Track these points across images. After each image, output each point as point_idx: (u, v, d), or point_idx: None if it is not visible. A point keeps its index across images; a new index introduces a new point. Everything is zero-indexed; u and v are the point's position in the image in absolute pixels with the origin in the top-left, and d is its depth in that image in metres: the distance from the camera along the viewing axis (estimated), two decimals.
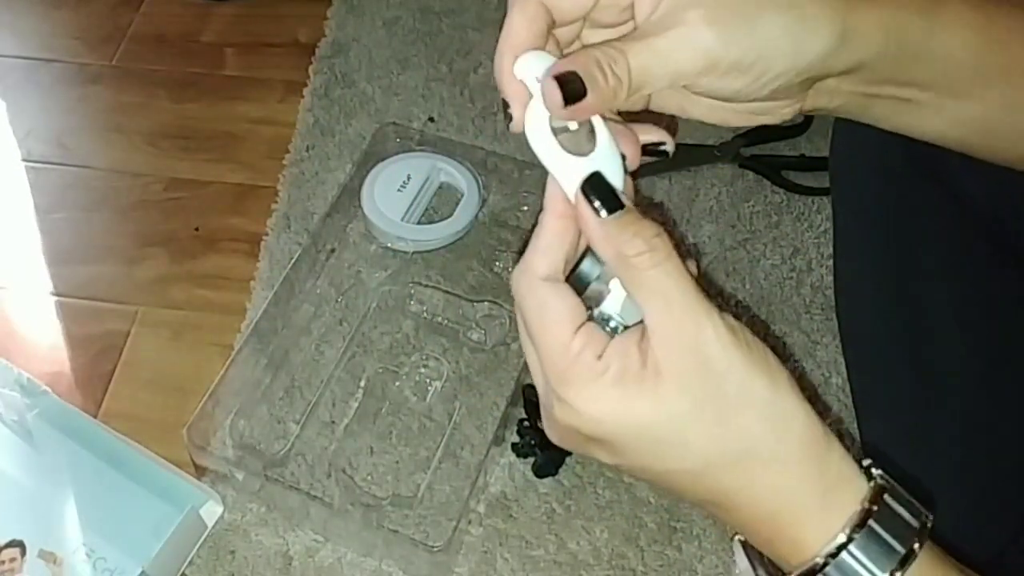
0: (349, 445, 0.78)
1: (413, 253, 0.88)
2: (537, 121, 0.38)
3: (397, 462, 0.77)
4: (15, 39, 1.14)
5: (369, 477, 0.77)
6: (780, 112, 0.41)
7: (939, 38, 0.41)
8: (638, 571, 0.73)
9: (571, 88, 0.37)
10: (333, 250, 0.89)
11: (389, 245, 0.89)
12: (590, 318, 0.39)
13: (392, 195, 0.89)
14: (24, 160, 1.01)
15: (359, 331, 0.84)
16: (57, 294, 0.91)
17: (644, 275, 0.37)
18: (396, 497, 0.75)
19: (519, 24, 0.39)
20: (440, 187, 0.93)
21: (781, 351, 0.83)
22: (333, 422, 0.79)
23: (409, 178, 0.90)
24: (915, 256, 0.64)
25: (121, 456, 0.75)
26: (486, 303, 0.85)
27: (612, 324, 0.39)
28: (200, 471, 0.76)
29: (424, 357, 0.83)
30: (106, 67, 1.10)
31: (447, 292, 0.86)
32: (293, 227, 0.93)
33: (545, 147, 0.38)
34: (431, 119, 1.01)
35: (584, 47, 0.39)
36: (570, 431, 0.39)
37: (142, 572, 0.69)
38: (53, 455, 0.74)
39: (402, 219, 0.88)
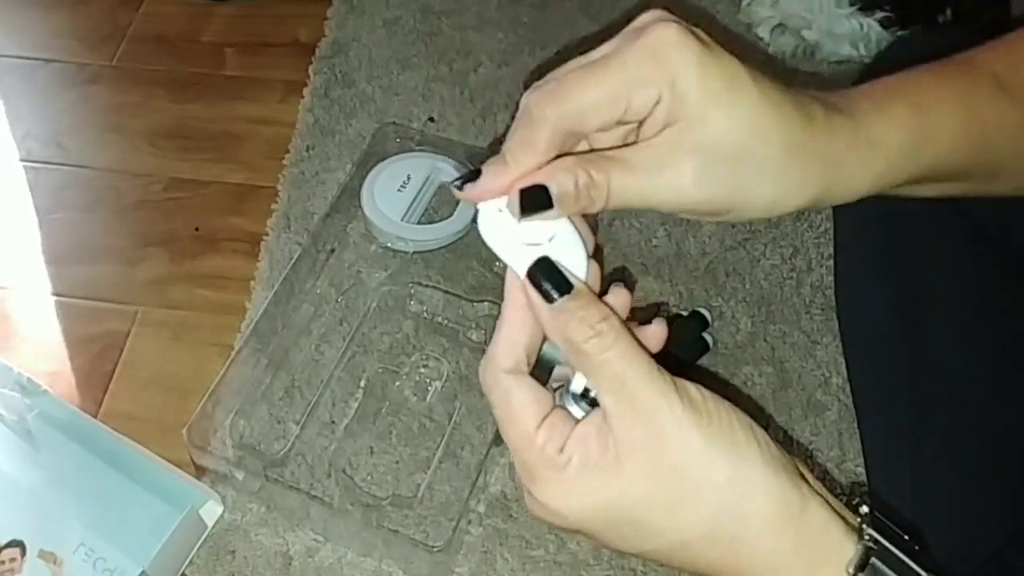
0: (349, 445, 0.78)
1: (413, 253, 0.88)
2: (491, 210, 0.37)
3: (397, 462, 0.77)
4: (14, 39, 1.14)
5: (369, 477, 0.77)
6: (746, 219, 0.41)
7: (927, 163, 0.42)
8: (638, 571, 0.73)
9: (534, 199, 0.36)
10: (333, 250, 0.89)
11: (389, 245, 0.89)
12: (562, 395, 0.38)
13: (392, 195, 0.89)
14: (23, 160, 1.01)
15: (359, 331, 0.84)
16: (57, 294, 0.91)
17: (594, 361, 0.36)
18: (396, 497, 0.75)
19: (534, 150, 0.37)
20: (440, 187, 0.93)
21: (781, 350, 0.84)
22: (333, 422, 0.79)
23: (409, 178, 0.90)
24: (914, 255, 0.64)
25: (121, 456, 0.75)
26: (486, 303, 0.85)
27: (580, 405, 0.38)
28: (200, 471, 0.76)
29: (424, 357, 0.83)
30: (106, 67, 1.10)
31: (447, 292, 0.86)
32: (293, 227, 0.93)
33: (496, 236, 0.37)
34: (431, 119, 1.01)
35: (572, 157, 0.37)
36: (546, 519, 0.38)
37: (142, 572, 0.69)
38: (53, 455, 0.74)
39: (402, 219, 0.88)
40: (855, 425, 0.73)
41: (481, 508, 0.75)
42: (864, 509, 0.38)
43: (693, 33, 0.37)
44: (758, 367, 0.83)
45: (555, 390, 0.39)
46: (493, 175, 0.37)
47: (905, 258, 0.64)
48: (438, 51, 1.08)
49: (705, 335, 0.83)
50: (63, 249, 0.94)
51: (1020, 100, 0.44)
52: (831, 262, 0.81)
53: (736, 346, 0.84)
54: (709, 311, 0.85)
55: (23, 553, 0.70)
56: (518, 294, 0.38)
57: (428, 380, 0.81)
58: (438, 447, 0.78)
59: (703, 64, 0.36)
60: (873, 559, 0.36)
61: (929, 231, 0.63)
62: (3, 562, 0.70)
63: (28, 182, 1.00)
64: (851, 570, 0.36)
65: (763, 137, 0.37)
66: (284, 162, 0.98)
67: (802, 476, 0.38)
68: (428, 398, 0.80)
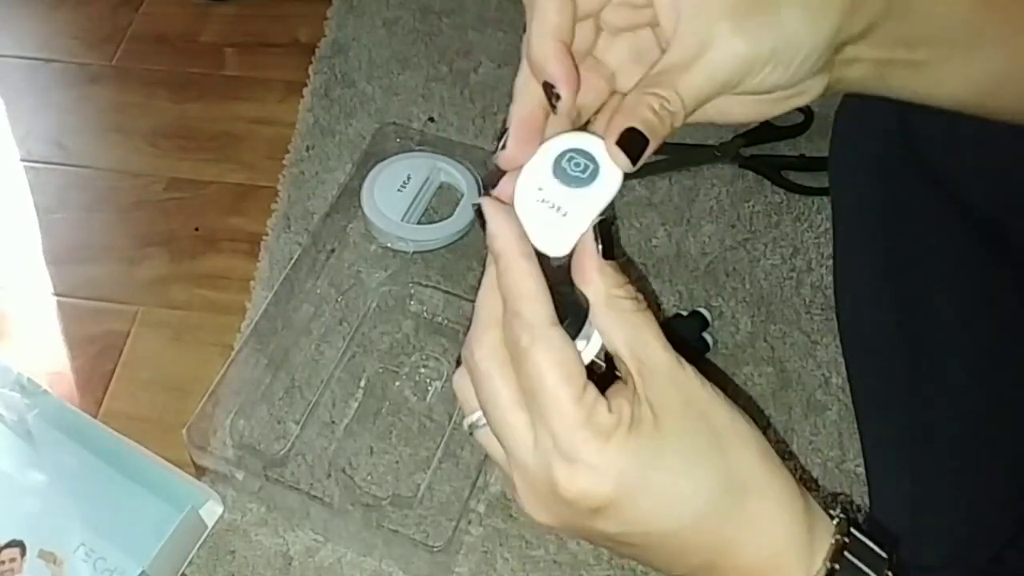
0: (349, 445, 0.78)
1: (413, 253, 0.88)
2: (531, 191, 0.39)
3: (397, 462, 0.77)
4: (15, 39, 1.14)
5: (369, 477, 0.77)
6: (812, 89, 0.41)
7: None
8: (638, 571, 0.73)
9: (633, 142, 0.38)
10: (333, 250, 0.89)
11: (389, 245, 0.89)
12: None
13: (392, 195, 0.89)
14: (24, 160, 1.01)
15: (359, 331, 0.84)
16: (57, 294, 0.91)
17: (631, 317, 0.37)
18: (396, 497, 0.75)
19: (550, 8, 0.39)
20: (440, 187, 0.93)
21: (781, 350, 0.84)
22: (333, 422, 0.79)
23: (409, 178, 0.90)
24: (914, 256, 0.64)
25: (121, 456, 0.75)
26: None
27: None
28: (200, 471, 0.76)
29: (424, 357, 0.83)
30: (106, 67, 1.10)
31: (447, 292, 0.86)
32: (293, 227, 0.93)
33: (528, 211, 0.38)
34: (431, 119, 1.01)
35: (632, 93, 0.39)
36: (574, 503, 0.36)
37: (142, 572, 0.69)
38: (53, 455, 0.74)
39: (402, 219, 0.88)
40: (855, 425, 0.73)
41: (481, 508, 0.75)
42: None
43: None
44: (758, 367, 0.83)
45: None
46: (520, 106, 0.39)
47: (905, 258, 0.64)
48: (438, 51, 1.08)
49: (705, 335, 0.83)
50: (63, 249, 0.94)
51: None
52: (831, 262, 0.81)
53: (736, 346, 0.84)
54: (709, 311, 0.85)
55: (23, 553, 0.70)
56: (524, 244, 0.38)
57: (428, 380, 0.81)
58: (438, 447, 0.78)
59: None
60: (853, 529, 0.39)
61: (929, 231, 0.63)
62: (3, 562, 0.70)
63: (28, 182, 0.99)
64: (839, 537, 0.38)
65: None
66: (284, 162, 0.98)
67: None
68: (428, 398, 0.80)
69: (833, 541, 0.38)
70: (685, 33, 0.38)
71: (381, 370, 0.82)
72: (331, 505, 0.74)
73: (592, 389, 0.36)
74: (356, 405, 0.80)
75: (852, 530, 0.38)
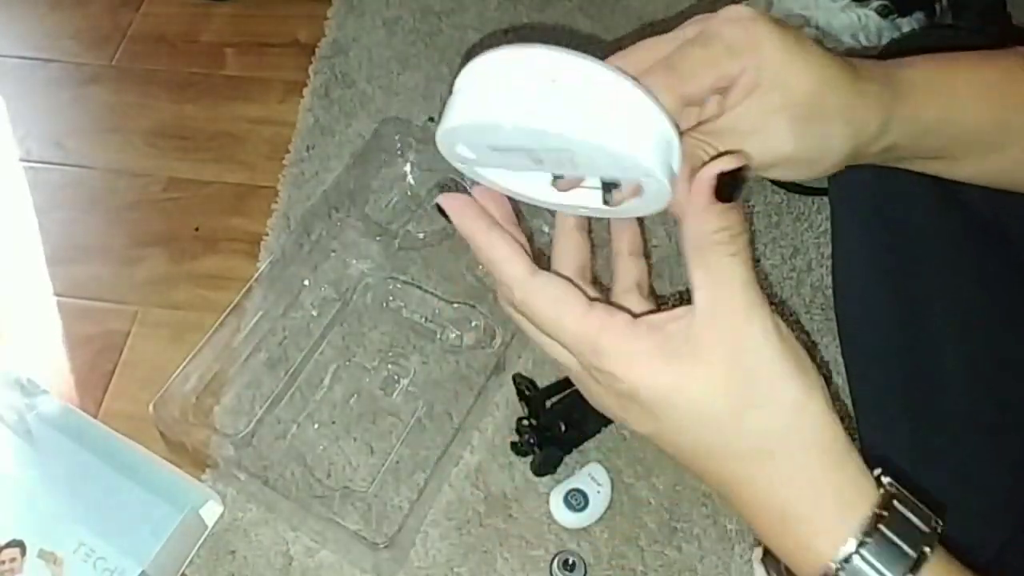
0: (348, 445, 0.78)
1: (407, 251, 0.88)
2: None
3: (397, 462, 0.77)
4: (14, 39, 1.14)
5: (369, 477, 0.77)
6: (824, 174, 0.46)
7: (955, 117, 0.47)
8: (638, 571, 0.73)
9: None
10: (334, 251, 0.89)
11: (383, 240, 0.88)
12: None
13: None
14: (23, 160, 1.01)
15: (357, 331, 0.84)
16: (57, 294, 0.91)
17: (713, 258, 0.38)
18: (396, 498, 0.75)
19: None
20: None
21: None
22: (333, 422, 0.79)
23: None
24: (913, 255, 0.64)
25: (121, 456, 0.75)
26: (476, 307, 0.85)
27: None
28: (200, 471, 0.76)
29: (425, 358, 0.83)
30: (105, 67, 1.10)
31: (439, 295, 0.86)
32: (293, 227, 0.93)
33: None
34: (431, 119, 1.01)
35: (688, 139, 0.41)
36: (615, 389, 0.39)
37: (142, 572, 0.69)
38: (53, 455, 0.74)
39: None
40: (855, 425, 0.73)
41: (481, 508, 0.75)
42: (876, 471, 0.40)
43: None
44: None
45: None
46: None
47: (904, 257, 0.64)
48: (438, 51, 1.08)
49: None
50: (63, 249, 0.94)
51: None
52: (831, 262, 0.81)
53: None
54: None
55: (23, 553, 0.70)
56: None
57: (429, 380, 0.81)
58: (441, 448, 0.77)
59: (780, 33, 0.41)
60: (896, 502, 0.39)
61: (928, 230, 0.63)
62: (3, 562, 0.70)
63: (28, 182, 0.99)
64: (877, 510, 0.38)
65: (833, 85, 0.42)
66: (284, 162, 0.98)
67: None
68: (428, 399, 0.80)
69: (870, 513, 0.38)
70: (746, 109, 0.42)
71: (379, 370, 0.82)
72: (330, 507, 0.73)
73: (599, 304, 0.39)
74: (355, 405, 0.80)
75: (896, 503, 0.38)
